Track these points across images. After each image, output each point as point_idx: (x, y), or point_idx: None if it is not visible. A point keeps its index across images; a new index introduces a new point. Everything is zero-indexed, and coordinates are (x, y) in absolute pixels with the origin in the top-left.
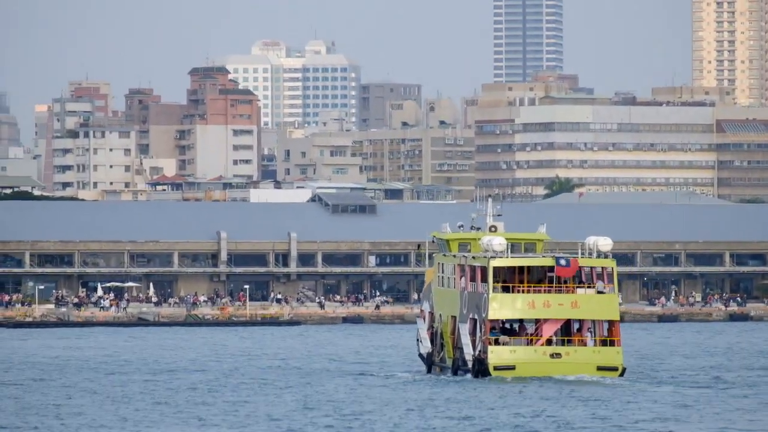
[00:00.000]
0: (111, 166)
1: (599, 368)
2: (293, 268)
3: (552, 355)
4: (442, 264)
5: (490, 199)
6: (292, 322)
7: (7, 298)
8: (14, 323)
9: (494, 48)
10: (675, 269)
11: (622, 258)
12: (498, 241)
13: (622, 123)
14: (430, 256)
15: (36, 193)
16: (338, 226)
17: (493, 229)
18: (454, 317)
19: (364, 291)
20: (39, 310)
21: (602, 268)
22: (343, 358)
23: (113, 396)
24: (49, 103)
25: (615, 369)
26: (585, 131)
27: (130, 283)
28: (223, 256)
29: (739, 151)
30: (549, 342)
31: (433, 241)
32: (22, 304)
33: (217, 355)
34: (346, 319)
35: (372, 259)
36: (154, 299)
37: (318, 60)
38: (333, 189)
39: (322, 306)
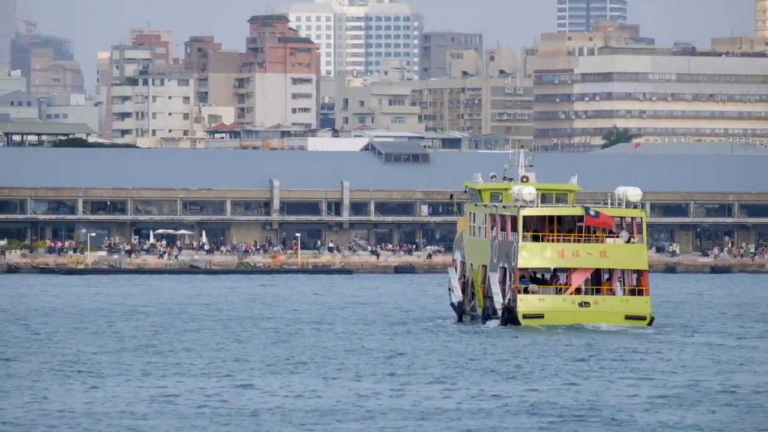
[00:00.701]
0: (170, 114)
1: (627, 317)
2: (345, 216)
3: (580, 304)
4: (474, 213)
5: (522, 150)
6: (343, 271)
7: (59, 244)
8: (66, 270)
9: None
10: (728, 220)
11: (675, 209)
12: (528, 191)
13: (681, 73)
14: (461, 206)
15: (91, 140)
16: (391, 175)
17: (524, 179)
18: (484, 266)
19: (417, 240)
20: (91, 257)
21: (631, 218)
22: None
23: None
24: (111, 50)
25: (643, 318)
26: (644, 81)
27: (183, 231)
28: (276, 204)
29: None
30: (578, 291)
31: (465, 191)
32: (75, 251)
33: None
34: (397, 269)
35: (424, 209)
36: (206, 247)
37: (380, 8)
38: (390, 138)
39: (376, 254)
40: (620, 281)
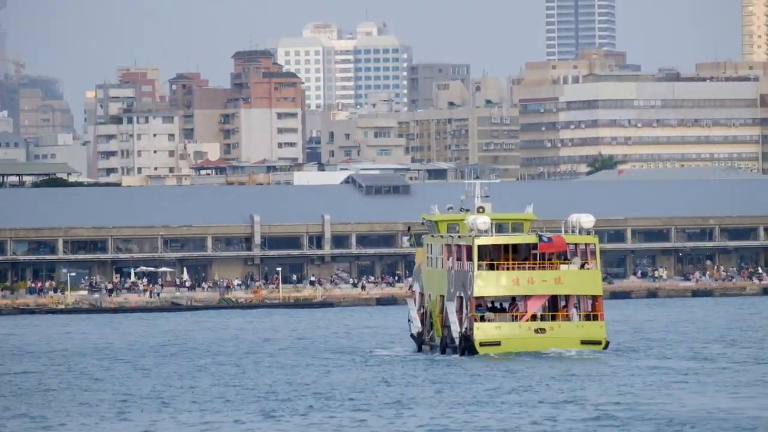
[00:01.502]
0: (155, 152)
1: (583, 342)
2: (327, 250)
3: (536, 330)
4: (431, 245)
5: (477, 181)
6: (325, 304)
7: (40, 284)
8: (47, 310)
9: (546, 27)
10: (709, 244)
11: (657, 234)
12: (482, 220)
13: (666, 99)
14: (419, 238)
15: (72, 179)
16: (372, 207)
17: (480, 209)
18: (442, 296)
19: (398, 271)
20: (72, 297)
21: (585, 244)
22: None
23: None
24: (95, 89)
25: (599, 342)
26: (629, 108)
27: (164, 268)
28: (257, 239)
29: None
30: (534, 318)
31: (422, 223)
32: (55, 291)
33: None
34: (379, 300)
35: (405, 240)
36: (188, 284)
37: (370, 41)
38: (376, 170)
39: (359, 286)
40: (575, 307)
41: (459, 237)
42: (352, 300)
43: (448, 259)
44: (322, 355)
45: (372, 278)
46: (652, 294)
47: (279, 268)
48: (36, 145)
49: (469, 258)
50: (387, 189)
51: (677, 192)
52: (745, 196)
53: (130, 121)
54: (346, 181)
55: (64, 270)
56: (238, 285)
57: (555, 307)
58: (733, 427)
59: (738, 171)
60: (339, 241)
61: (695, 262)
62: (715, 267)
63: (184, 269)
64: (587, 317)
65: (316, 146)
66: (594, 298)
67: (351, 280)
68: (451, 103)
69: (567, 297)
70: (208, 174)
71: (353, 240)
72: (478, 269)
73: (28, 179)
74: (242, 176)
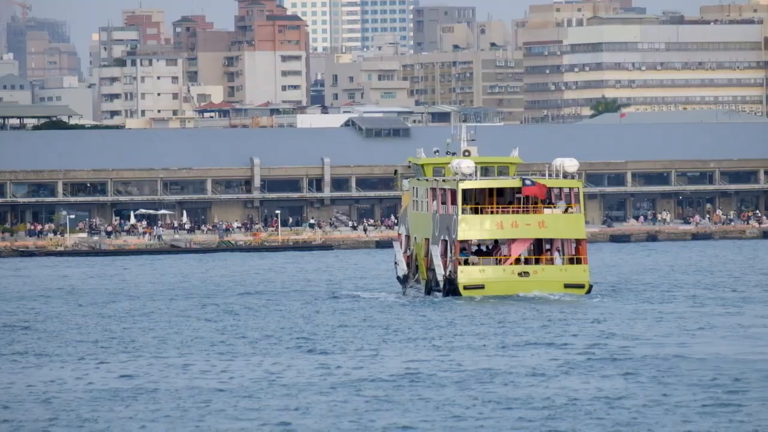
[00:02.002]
0: (158, 94)
1: (566, 286)
2: (327, 193)
3: (520, 274)
4: (416, 188)
5: (463, 124)
6: (324, 247)
7: (39, 227)
8: (46, 252)
9: None
10: (709, 187)
11: (657, 177)
12: (466, 164)
13: (670, 42)
14: (405, 180)
15: (75, 122)
16: (372, 150)
17: (466, 153)
18: (427, 239)
19: (398, 214)
20: (71, 239)
21: (569, 188)
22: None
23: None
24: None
25: (582, 286)
26: (633, 51)
27: (164, 211)
28: (257, 182)
29: None
30: (518, 261)
31: (409, 166)
32: (55, 233)
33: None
34: (379, 243)
35: (405, 183)
36: (187, 226)
37: None
38: (380, 113)
39: (357, 228)
40: (558, 251)
41: (444, 180)
42: (351, 243)
43: (433, 203)
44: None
45: (372, 221)
46: (652, 237)
47: (278, 211)
48: (41, 87)
49: (454, 202)
50: (387, 132)
51: (678, 135)
52: (747, 139)
53: (133, 63)
54: (346, 123)
55: (64, 212)
56: (237, 228)
57: (540, 250)
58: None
59: (740, 114)
60: (339, 183)
61: (695, 206)
62: (716, 210)
63: (184, 212)
64: (571, 261)
65: (320, 89)
66: (578, 241)
67: (350, 222)
68: (456, 46)
69: (552, 240)
70: (212, 117)
71: (353, 183)
72: (462, 213)
73: (29, 122)
74: (245, 119)
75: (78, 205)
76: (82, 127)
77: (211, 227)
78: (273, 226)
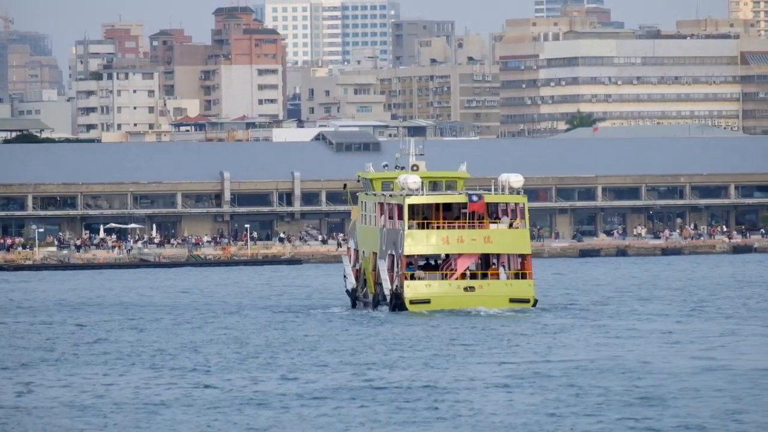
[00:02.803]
0: (135, 108)
1: (511, 300)
2: (297, 207)
3: (466, 289)
4: (365, 202)
5: (411, 139)
6: (293, 261)
7: (9, 241)
8: (15, 266)
9: None
10: (680, 202)
11: (627, 192)
12: (413, 179)
13: (646, 56)
14: (355, 195)
15: (53, 135)
16: (342, 164)
17: (415, 168)
18: (375, 254)
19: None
20: (40, 253)
21: (515, 203)
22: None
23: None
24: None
25: (527, 301)
26: (609, 65)
27: (133, 225)
28: (227, 196)
29: (764, 82)
30: (464, 276)
31: (358, 181)
32: (24, 247)
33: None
34: None
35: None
36: (156, 240)
37: None
38: (355, 127)
39: (327, 242)
40: (503, 266)
41: (391, 195)
42: (320, 257)
43: (380, 217)
44: (259, 314)
45: (343, 235)
46: (621, 252)
47: (248, 225)
48: (21, 101)
49: (400, 216)
50: (357, 146)
51: (649, 150)
52: (718, 154)
53: (109, 77)
54: (317, 138)
55: (33, 226)
56: (207, 242)
57: (488, 265)
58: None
59: (714, 128)
60: (309, 198)
61: (666, 220)
62: (686, 225)
63: (154, 226)
64: (516, 276)
65: (297, 103)
66: (523, 256)
67: (320, 236)
68: (434, 60)
69: (498, 255)
70: (188, 130)
71: (323, 197)
72: (408, 228)
73: (2, 135)
74: (221, 133)
75: (47, 218)
76: (53, 140)
77: (180, 241)
78: (242, 240)
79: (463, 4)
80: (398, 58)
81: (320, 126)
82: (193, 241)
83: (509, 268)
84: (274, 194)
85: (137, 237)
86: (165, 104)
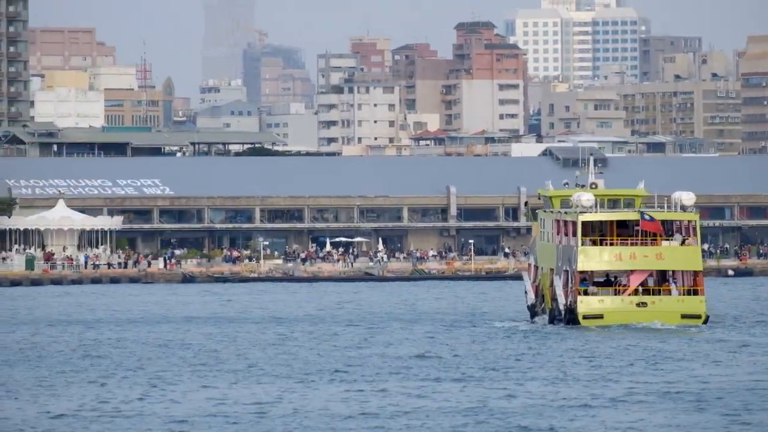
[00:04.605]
0: (375, 122)
1: (683, 316)
2: (523, 222)
3: (638, 305)
4: (543, 219)
5: (591, 157)
6: (516, 277)
7: (236, 253)
8: (240, 278)
9: None
10: None
11: None
12: (586, 197)
13: None
14: (535, 212)
15: (287, 149)
16: (568, 179)
17: (593, 186)
18: (552, 270)
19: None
20: (266, 266)
21: (688, 221)
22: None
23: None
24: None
25: (698, 317)
26: None
27: (359, 239)
28: (453, 210)
29: None
30: (636, 292)
31: (539, 198)
32: (250, 259)
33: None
34: None
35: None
36: (382, 254)
37: (607, 13)
38: (595, 143)
39: None
40: (674, 282)
41: (566, 213)
42: None
43: (557, 234)
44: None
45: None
46: None
47: (472, 240)
48: (269, 114)
49: (575, 233)
50: (585, 161)
51: None
52: None
53: (351, 90)
54: (544, 153)
55: (261, 238)
56: (432, 256)
57: (664, 281)
58: None
59: None
60: (535, 213)
61: None
62: None
63: (379, 239)
64: (687, 292)
65: (539, 118)
66: (695, 273)
67: None
68: (677, 76)
69: (673, 272)
70: (427, 144)
71: None
72: (582, 244)
73: (234, 148)
74: (460, 147)
75: (275, 231)
76: (284, 153)
77: (406, 255)
78: (467, 255)
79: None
80: (645, 73)
81: (559, 141)
82: (418, 255)
83: (683, 285)
84: (500, 209)
85: (362, 251)
86: (405, 118)
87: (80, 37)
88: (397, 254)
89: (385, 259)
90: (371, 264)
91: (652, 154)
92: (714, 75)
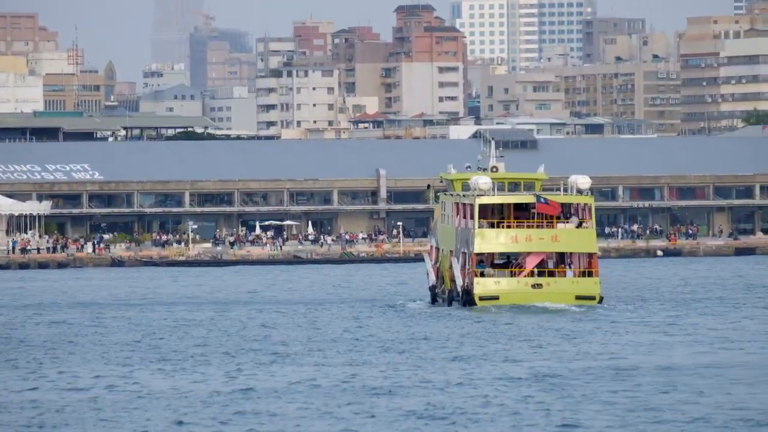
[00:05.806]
0: (314, 105)
1: (578, 297)
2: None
3: (533, 286)
4: (444, 202)
5: (492, 141)
6: None
7: (165, 237)
8: (168, 262)
9: None
10: None
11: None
12: (483, 181)
13: None
14: (437, 195)
15: (216, 133)
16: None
17: (494, 169)
18: (451, 251)
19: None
20: (195, 250)
21: (585, 204)
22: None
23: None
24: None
25: (593, 298)
26: None
27: (289, 222)
28: (383, 193)
29: None
30: (531, 274)
31: (441, 181)
32: (179, 243)
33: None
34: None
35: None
36: (311, 237)
37: None
38: (532, 125)
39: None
40: (569, 264)
41: (464, 196)
42: None
43: (456, 217)
44: (355, 307)
45: None
46: None
47: (400, 223)
48: (212, 97)
49: (472, 216)
50: (515, 144)
51: None
52: None
53: (289, 74)
54: (474, 135)
55: (190, 223)
56: (362, 239)
57: (562, 263)
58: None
59: None
60: None
61: None
62: None
63: (309, 222)
64: (582, 273)
65: (478, 100)
66: (589, 255)
67: None
68: (618, 58)
69: (570, 254)
70: (366, 128)
71: None
72: (479, 227)
73: (164, 133)
74: (399, 130)
75: (204, 215)
76: (212, 137)
77: (335, 238)
78: (396, 238)
79: (654, 1)
80: (588, 55)
81: (498, 123)
82: (347, 237)
83: (579, 266)
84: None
85: (292, 234)
86: (344, 101)
87: (22, 23)
88: (324, 237)
89: (317, 241)
90: (300, 247)
91: (589, 135)
92: (655, 56)
